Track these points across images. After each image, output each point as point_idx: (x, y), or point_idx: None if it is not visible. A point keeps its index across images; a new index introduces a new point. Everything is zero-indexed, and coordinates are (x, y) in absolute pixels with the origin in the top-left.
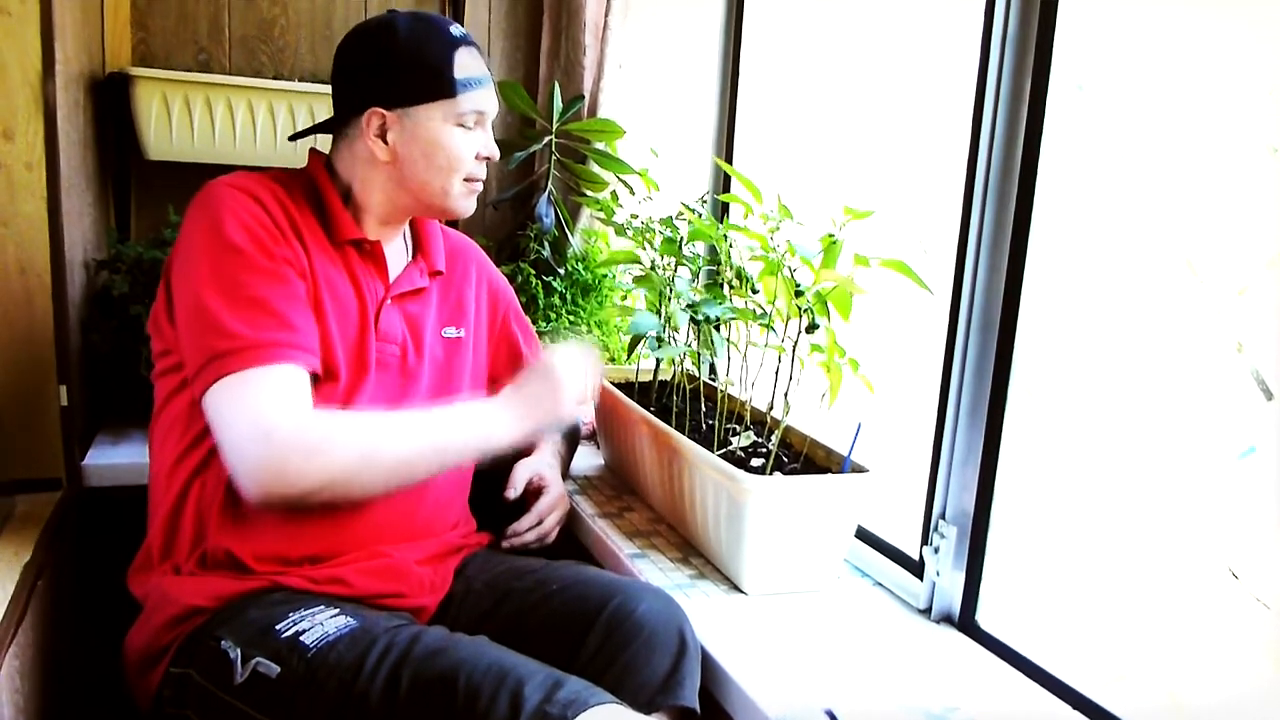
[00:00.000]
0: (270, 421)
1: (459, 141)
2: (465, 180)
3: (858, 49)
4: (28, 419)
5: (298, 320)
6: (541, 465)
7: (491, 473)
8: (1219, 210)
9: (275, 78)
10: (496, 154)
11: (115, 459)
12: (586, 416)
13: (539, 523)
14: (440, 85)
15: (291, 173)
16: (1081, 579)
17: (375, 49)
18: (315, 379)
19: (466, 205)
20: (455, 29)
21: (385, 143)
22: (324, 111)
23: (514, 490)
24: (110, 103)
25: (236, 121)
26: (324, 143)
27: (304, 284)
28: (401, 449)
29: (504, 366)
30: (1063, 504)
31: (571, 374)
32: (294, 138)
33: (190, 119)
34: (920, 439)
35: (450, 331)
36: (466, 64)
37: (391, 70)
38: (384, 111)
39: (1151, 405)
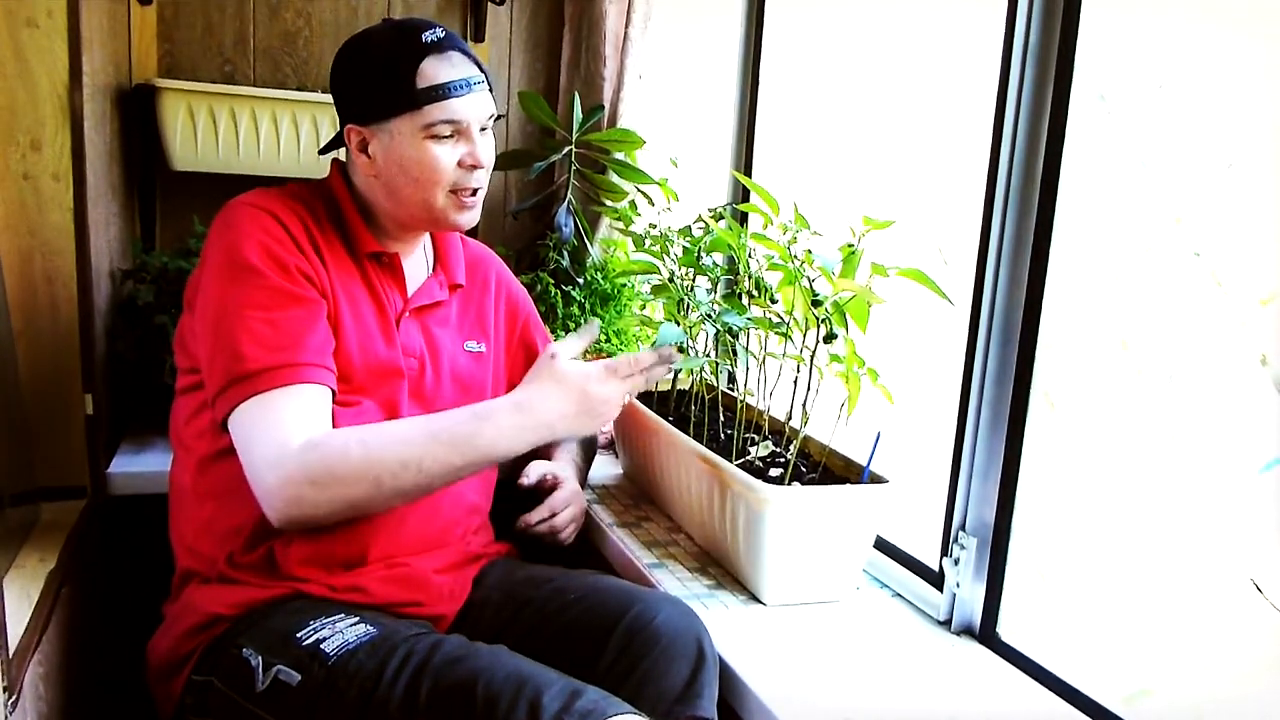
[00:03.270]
0: (287, 450)
1: (432, 154)
2: (453, 192)
3: (878, 59)
4: (53, 427)
5: (316, 340)
6: (556, 467)
7: (512, 482)
8: (1243, 220)
9: (298, 89)
10: (484, 160)
11: (140, 467)
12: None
13: (551, 515)
14: (404, 98)
15: (313, 185)
16: (1104, 591)
17: (349, 64)
18: (334, 394)
19: (460, 218)
20: (430, 35)
21: (368, 157)
22: None
23: (528, 478)
24: (136, 113)
25: (260, 132)
26: None
27: (323, 302)
28: (415, 465)
29: (522, 375)
30: (1084, 515)
31: (587, 380)
32: (323, 152)
33: (215, 130)
34: (940, 449)
35: (472, 345)
36: (435, 72)
37: (360, 85)
38: (360, 128)
39: (1174, 416)
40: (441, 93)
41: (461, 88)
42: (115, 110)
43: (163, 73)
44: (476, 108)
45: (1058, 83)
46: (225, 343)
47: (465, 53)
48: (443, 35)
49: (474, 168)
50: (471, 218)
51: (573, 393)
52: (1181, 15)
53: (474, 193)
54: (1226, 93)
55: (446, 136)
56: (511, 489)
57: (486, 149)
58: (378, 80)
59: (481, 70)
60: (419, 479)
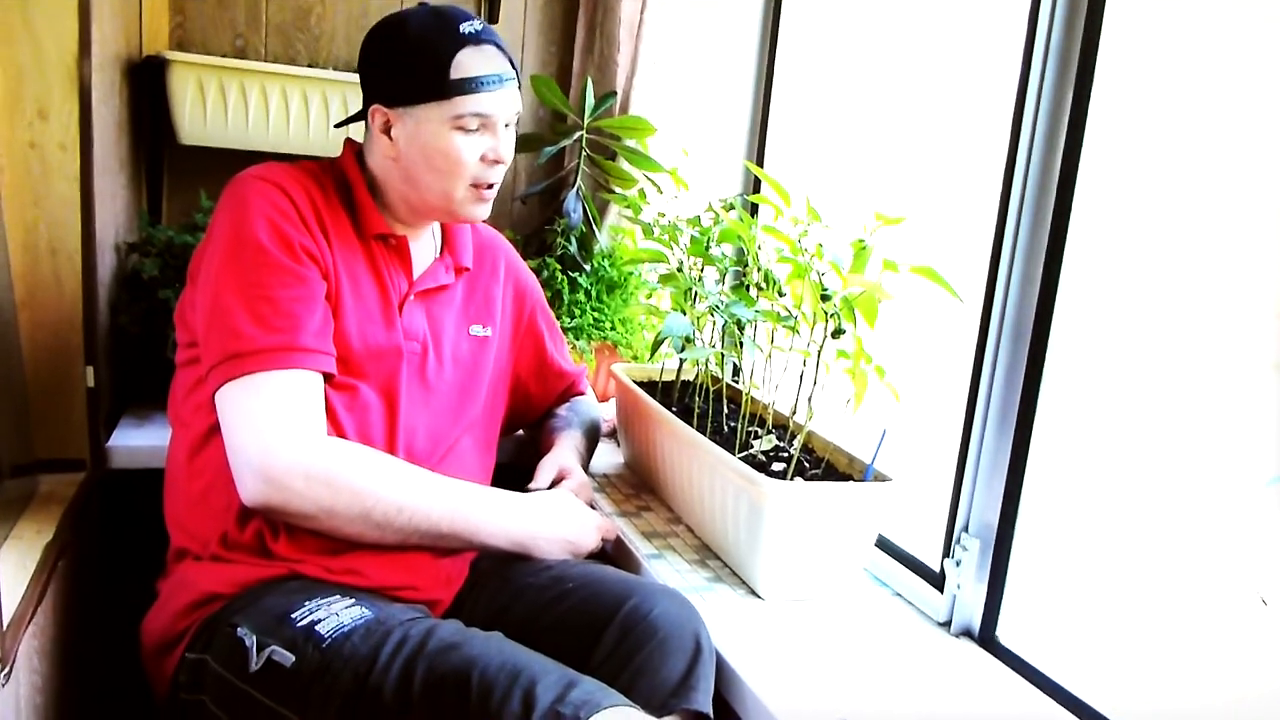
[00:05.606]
0: (275, 438)
1: (457, 145)
2: (473, 185)
3: (896, 52)
4: (54, 400)
5: (314, 322)
6: (563, 459)
7: (512, 466)
8: (1259, 230)
9: (310, 66)
10: (506, 157)
11: (140, 441)
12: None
13: None
14: (436, 86)
15: (324, 163)
16: (1105, 598)
17: (383, 45)
18: (331, 378)
19: (475, 211)
20: (468, 26)
21: (390, 139)
22: (357, 101)
23: (543, 478)
24: (146, 86)
25: (270, 109)
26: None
27: (325, 283)
28: (410, 511)
29: (528, 364)
30: (1089, 521)
31: (579, 521)
32: (339, 125)
33: (225, 105)
34: (945, 449)
35: (477, 330)
36: (470, 64)
37: (392, 67)
38: (386, 110)
39: (1181, 426)
40: (473, 86)
41: (493, 83)
42: (125, 82)
43: (174, 45)
44: (505, 104)
45: (1079, 81)
46: (223, 318)
47: (500, 47)
48: (480, 28)
49: (495, 163)
50: (485, 210)
51: (573, 520)
52: (1205, 16)
53: (490, 186)
54: (1246, 98)
55: (473, 130)
56: (515, 479)
57: (508, 144)
58: (411, 65)
59: (513, 66)
60: (403, 527)
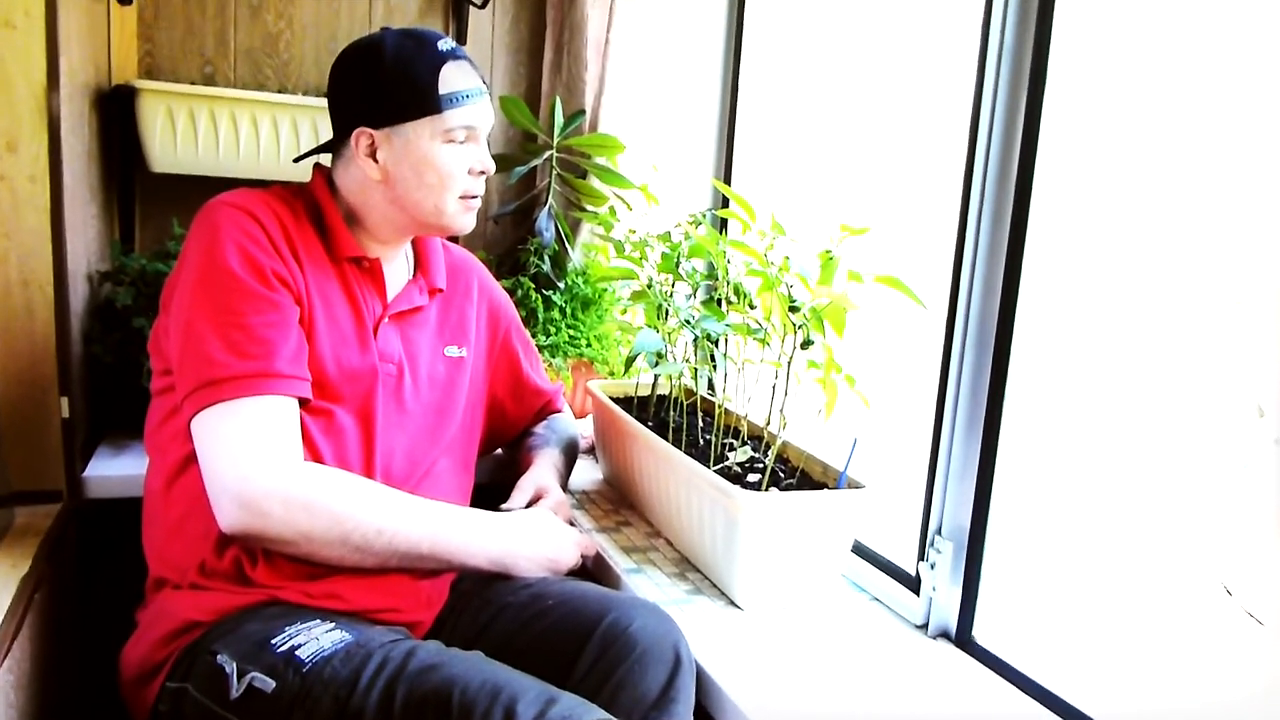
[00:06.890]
0: (252, 464)
1: (449, 158)
2: (461, 197)
3: (857, 65)
4: (28, 431)
5: (288, 348)
6: (541, 477)
7: (491, 486)
8: (1220, 228)
9: (279, 91)
10: (491, 167)
11: (116, 471)
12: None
13: None
14: (425, 102)
15: (294, 189)
16: (1078, 594)
17: (362, 69)
18: (306, 402)
19: (465, 222)
20: (444, 44)
21: (376, 162)
22: (326, 126)
23: (522, 498)
24: (116, 115)
25: (240, 135)
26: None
27: (299, 308)
28: (390, 533)
29: (504, 383)
30: (1059, 519)
31: (558, 539)
32: (298, 160)
33: (195, 132)
34: (917, 454)
35: (452, 350)
36: (453, 79)
37: (377, 89)
38: (372, 131)
39: (1151, 421)
40: (460, 99)
41: (474, 96)
42: (94, 111)
43: (143, 73)
44: (487, 115)
45: (1032, 85)
46: (197, 345)
47: (472, 63)
48: (453, 45)
49: (482, 173)
50: (473, 220)
51: (552, 538)
52: (1155, 22)
53: (476, 197)
54: (1204, 97)
55: (460, 142)
56: (494, 498)
57: (489, 155)
58: (397, 84)
59: (483, 80)
60: (383, 550)
